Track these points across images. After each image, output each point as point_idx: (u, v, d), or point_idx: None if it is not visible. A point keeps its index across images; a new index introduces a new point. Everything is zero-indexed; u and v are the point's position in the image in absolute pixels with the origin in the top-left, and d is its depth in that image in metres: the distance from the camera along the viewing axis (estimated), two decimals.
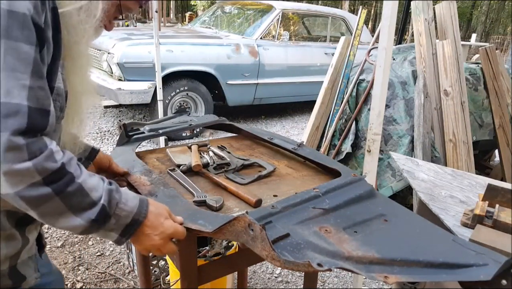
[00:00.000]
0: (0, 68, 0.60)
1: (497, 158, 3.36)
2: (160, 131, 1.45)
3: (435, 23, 2.83)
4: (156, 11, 2.97)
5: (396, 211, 0.99)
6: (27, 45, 0.63)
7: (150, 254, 1.08)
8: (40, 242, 0.92)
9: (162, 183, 1.07)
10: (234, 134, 1.65)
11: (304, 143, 1.40)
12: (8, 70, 0.61)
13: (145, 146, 4.01)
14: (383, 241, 0.85)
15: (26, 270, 0.84)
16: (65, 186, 0.65)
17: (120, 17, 0.90)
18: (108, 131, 4.52)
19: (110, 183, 0.75)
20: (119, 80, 4.02)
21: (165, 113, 3.85)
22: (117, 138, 1.42)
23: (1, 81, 0.60)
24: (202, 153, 1.35)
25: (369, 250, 0.80)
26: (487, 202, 1.35)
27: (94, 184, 0.71)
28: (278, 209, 0.92)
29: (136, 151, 1.41)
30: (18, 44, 0.62)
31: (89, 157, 1.07)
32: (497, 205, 1.32)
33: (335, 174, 1.18)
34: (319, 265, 0.73)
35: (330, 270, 0.74)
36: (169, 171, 1.20)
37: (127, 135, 1.39)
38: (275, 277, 2.24)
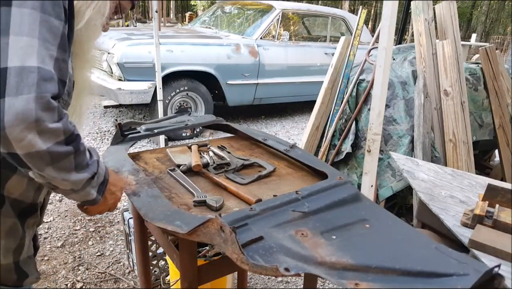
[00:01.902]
0: (36, 37, 0.66)
1: (497, 158, 3.36)
2: (156, 131, 1.45)
3: (435, 23, 2.83)
4: (156, 11, 2.97)
5: (380, 216, 0.97)
6: (57, 20, 0.70)
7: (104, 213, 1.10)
8: (35, 244, 0.93)
9: (147, 183, 1.08)
10: (233, 134, 1.65)
11: (304, 143, 1.40)
12: (42, 39, 0.67)
13: (145, 146, 4.01)
14: (360, 247, 0.83)
15: (28, 268, 0.85)
16: (78, 146, 0.74)
17: (115, 17, 0.95)
18: (108, 131, 4.52)
19: None
20: (119, 80, 4.02)
21: (165, 113, 3.85)
22: None
23: (37, 48, 0.66)
24: (202, 153, 1.36)
25: (344, 256, 0.78)
26: (487, 202, 1.35)
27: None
28: (256, 211, 0.91)
29: (136, 151, 1.41)
30: (50, 18, 0.69)
31: None
32: (497, 205, 1.32)
33: (325, 176, 1.18)
34: (286, 269, 0.72)
35: (298, 275, 0.73)
36: (169, 171, 1.20)
37: (122, 134, 1.39)
38: (275, 277, 2.24)
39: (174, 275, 1.80)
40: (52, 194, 2.90)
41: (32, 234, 0.88)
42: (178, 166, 1.24)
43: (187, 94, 4.43)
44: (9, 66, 0.63)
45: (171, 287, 1.76)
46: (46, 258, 2.25)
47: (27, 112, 0.63)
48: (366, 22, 11.55)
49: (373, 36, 3.43)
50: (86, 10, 0.80)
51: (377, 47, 1.84)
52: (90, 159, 0.80)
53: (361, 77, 2.88)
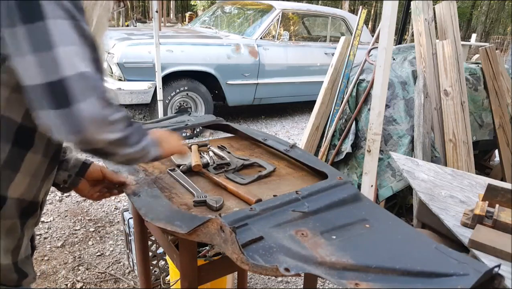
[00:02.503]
0: (77, 44, 0.69)
1: (497, 158, 3.36)
2: None
3: (435, 23, 2.83)
4: (156, 11, 2.97)
5: (380, 216, 0.97)
6: (85, 23, 0.73)
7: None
8: (33, 244, 0.94)
9: (147, 183, 1.08)
10: (233, 134, 1.65)
11: (304, 143, 1.40)
12: (81, 45, 0.70)
13: None
14: (360, 247, 0.83)
15: (26, 268, 0.86)
16: (133, 123, 0.82)
17: (120, 7, 0.98)
18: None
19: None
20: (119, 80, 4.02)
21: (165, 113, 3.86)
22: None
23: (81, 54, 0.69)
24: (202, 153, 1.36)
25: (344, 256, 0.78)
26: (487, 202, 1.35)
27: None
28: (256, 211, 0.91)
29: None
30: (80, 23, 0.71)
31: (80, 172, 1.05)
32: (497, 205, 1.32)
33: (325, 176, 1.18)
34: (286, 269, 0.72)
35: (298, 275, 0.73)
36: (169, 171, 1.20)
37: None
38: (275, 277, 2.24)
39: (174, 275, 1.80)
40: (52, 194, 2.90)
41: (30, 235, 0.89)
42: (178, 166, 1.24)
43: (187, 94, 4.43)
44: (68, 76, 0.66)
45: (171, 287, 1.76)
46: (46, 258, 2.25)
47: (97, 113, 0.69)
48: (366, 22, 11.55)
49: (373, 36, 3.43)
50: (93, 11, 0.81)
51: (377, 47, 1.84)
52: (142, 128, 0.88)
53: (361, 77, 2.88)
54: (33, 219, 0.87)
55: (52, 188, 1.01)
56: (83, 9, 0.75)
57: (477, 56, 5.93)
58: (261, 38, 4.93)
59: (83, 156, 1.06)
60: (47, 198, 1.22)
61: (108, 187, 1.12)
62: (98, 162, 1.12)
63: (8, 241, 0.80)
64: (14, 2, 0.65)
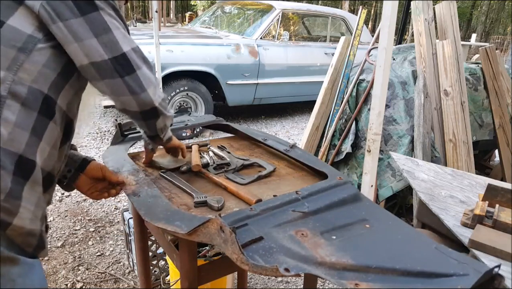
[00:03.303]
0: (122, 28, 0.89)
1: (497, 158, 3.36)
2: None
3: (435, 23, 2.83)
4: (156, 11, 2.97)
5: (380, 216, 0.97)
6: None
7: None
8: (46, 223, 0.95)
9: (147, 183, 1.08)
10: (233, 134, 1.65)
11: (304, 143, 1.40)
12: (124, 29, 0.90)
13: None
14: (360, 247, 0.83)
15: (45, 240, 0.88)
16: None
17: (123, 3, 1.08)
18: (108, 131, 4.52)
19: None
20: None
21: None
22: None
23: (128, 36, 0.89)
24: (202, 153, 1.36)
25: (344, 256, 0.78)
26: (487, 202, 1.35)
27: None
28: (256, 211, 0.91)
29: (137, 151, 1.41)
30: (121, 14, 0.91)
31: (80, 168, 1.08)
32: (497, 205, 1.32)
33: (325, 176, 1.18)
34: (286, 270, 0.72)
35: (298, 275, 0.73)
36: (161, 173, 1.20)
37: (122, 134, 1.39)
38: (275, 277, 2.24)
39: (174, 275, 1.80)
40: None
41: (45, 208, 0.90)
42: (162, 169, 1.23)
43: (187, 94, 4.43)
44: (127, 50, 0.86)
45: (171, 287, 1.76)
46: (46, 258, 2.25)
47: (152, 76, 0.91)
48: (366, 22, 11.55)
49: (373, 36, 3.43)
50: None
51: (377, 47, 1.84)
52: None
53: (361, 77, 2.88)
54: (49, 194, 0.90)
55: None
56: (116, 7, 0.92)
57: (477, 56, 5.93)
58: (261, 38, 4.93)
59: (83, 154, 1.09)
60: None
61: (108, 187, 1.12)
62: (98, 161, 1.12)
63: (37, 209, 0.82)
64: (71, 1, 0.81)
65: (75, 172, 1.07)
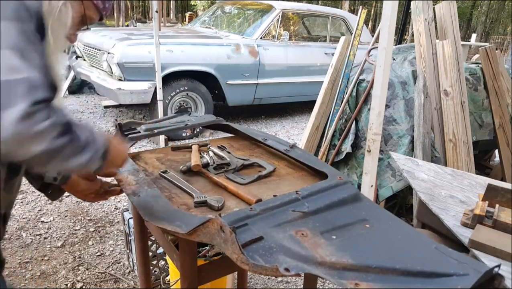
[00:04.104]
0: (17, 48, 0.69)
1: (497, 158, 3.36)
2: (156, 131, 1.45)
3: (435, 23, 2.83)
4: (156, 11, 2.97)
5: (380, 216, 0.97)
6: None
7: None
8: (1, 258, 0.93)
9: (147, 183, 1.08)
10: (233, 134, 1.65)
11: (304, 143, 1.40)
12: (21, 49, 0.70)
13: (145, 146, 4.01)
14: (360, 247, 0.83)
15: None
16: (73, 133, 0.74)
17: (82, 29, 0.94)
18: (108, 131, 4.53)
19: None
20: (119, 80, 4.02)
21: (165, 113, 3.85)
22: None
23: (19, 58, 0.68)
24: (202, 153, 1.36)
25: (344, 256, 0.78)
26: (487, 202, 1.35)
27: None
28: (256, 211, 0.91)
29: (136, 151, 1.41)
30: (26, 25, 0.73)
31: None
32: (497, 205, 1.32)
33: (325, 176, 1.18)
34: (286, 269, 0.72)
35: (298, 275, 0.73)
36: (161, 173, 1.20)
37: (122, 134, 1.39)
38: (275, 277, 2.24)
39: (174, 275, 1.80)
40: None
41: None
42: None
43: (187, 94, 4.43)
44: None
45: (171, 287, 1.76)
46: (46, 258, 2.25)
47: (19, 123, 0.64)
48: (366, 22, 11.54)
49: (373, 36, 3.43)
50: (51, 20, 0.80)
51: (377, 47, 1.84)
52: (87, 138, 0.78)
53: (361, 77, 2.88)
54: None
55: None
56: (41, 20, 0.75)
57: (477, 56, 5.92)
58: (261, 38, 4.93)
59: None
60: (47, 198, 1.20)
61: (104, 188, 1.12)
62: None
63: None
64: None
65: (63, 176, 1.04)
